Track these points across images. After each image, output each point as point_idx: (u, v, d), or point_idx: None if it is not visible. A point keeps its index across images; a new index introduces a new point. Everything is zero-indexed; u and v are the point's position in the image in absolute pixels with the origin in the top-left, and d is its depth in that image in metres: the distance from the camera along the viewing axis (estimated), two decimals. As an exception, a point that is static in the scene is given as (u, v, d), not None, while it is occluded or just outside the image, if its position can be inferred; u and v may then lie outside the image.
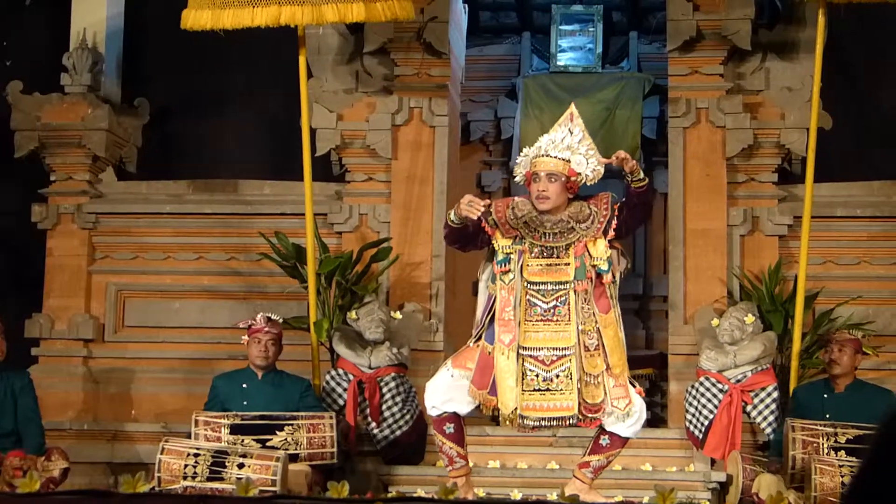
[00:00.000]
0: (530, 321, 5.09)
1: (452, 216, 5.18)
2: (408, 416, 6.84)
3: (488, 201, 5.16)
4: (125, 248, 7.82)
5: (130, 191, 7.92)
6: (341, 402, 6.79)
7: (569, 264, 5.12)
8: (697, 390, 6.79)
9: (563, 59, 9.14)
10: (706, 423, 6.69)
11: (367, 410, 6.80)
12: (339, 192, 7.69)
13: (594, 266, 5.12)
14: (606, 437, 5.21)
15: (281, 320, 6.53)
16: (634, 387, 5.27)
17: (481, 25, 9.36)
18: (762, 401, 6.70)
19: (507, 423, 5.13)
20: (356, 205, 7.63)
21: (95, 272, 7.80)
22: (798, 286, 6.64)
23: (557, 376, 5.04)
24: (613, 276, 5.19)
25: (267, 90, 8.14)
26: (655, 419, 7.71)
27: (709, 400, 6.73)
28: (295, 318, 7.01)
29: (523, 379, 5.04)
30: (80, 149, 7.76)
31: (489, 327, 5.16)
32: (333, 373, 6.89)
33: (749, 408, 6.69)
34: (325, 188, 7.63)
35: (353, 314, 7.00)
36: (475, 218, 5.06)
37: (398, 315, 7.15)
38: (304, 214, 6.89)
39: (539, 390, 5.03)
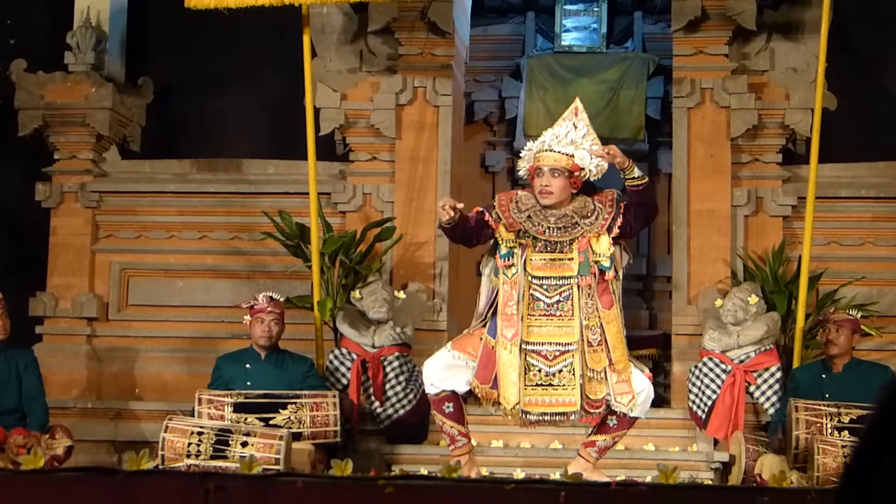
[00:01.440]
0: (533, 316, 5.08)
1: (439, 221, 5.22)
2: (411, 396, 6.84)
3: (461, 204, 5.14)
4: (129, 227, 7.82)
5: (134, 170, 7.91)
6: (345, 381, 6.79)
7: (572, 259, 5.11)
8: (701, 371, 6.81)
9: (568, 39, 9.12)
10: (709, 403, 6.70)
11: (371, 390, 6.80)
12: (342, 172, 7.69)
13: (597, 262, 5.11)
14: (614, 417, 5.21)
15: (283, 299, 6.52)
16: (643, 371, 5.25)
17: (486, 5, 9.34)
18: (765, 381, 6.70)
19: (509, 417, 5.14)
20: (360, 184, 7.63)
21: (99, 251, 7.81)
22: (802, 267, 6.63)
23: (560, 371, 5.04)
24: (616, 272, 5.19)
25: (271, 69, 8.14)
26: (658, 399, 7.41)
27: (712, 380, 6.75)
28: (298, 297, 7.03)
29: (526, 374, 5.04)
30: (84, 127, 7.76)
31: (492, 320, 5.16)
32: (337, 352, 6.90)
33: (752, 388, 6.70)
34: (328, 168, 7.62)
35: (356, 294, 7.02)
36: (446, 219, 5.06)
37: (402, 295, 7.14)
38: (307, 194, 6.88)
39: (542, 385, 5.03)
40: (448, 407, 5.25)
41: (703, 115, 7.38)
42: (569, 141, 5.18)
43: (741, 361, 6.72)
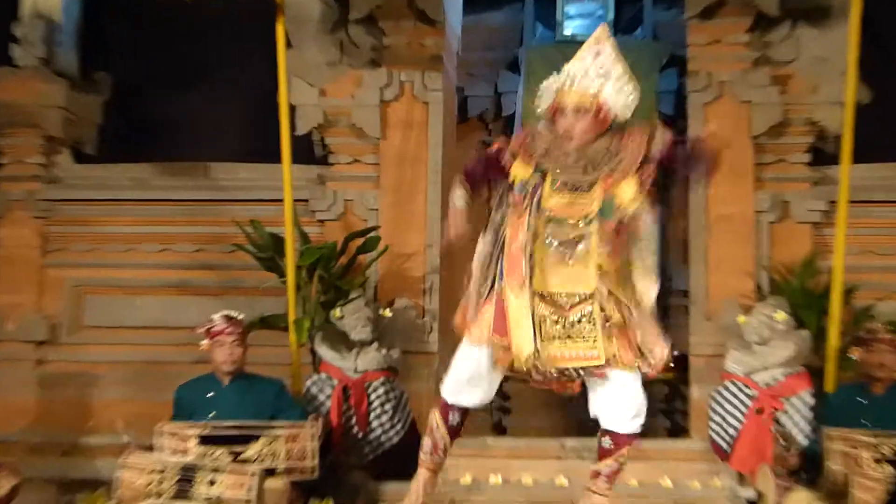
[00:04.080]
0: (546, 261, 5.01)
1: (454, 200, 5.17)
2: (399, 426, 6.84)
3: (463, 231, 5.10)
4: (83, 239, 7.82)
5: (89, 175, 7.90)
6: (324, 409, 6.77)
7: (594, 202, 5.02)
8: (722, 396, 6.79)
9: (571, 28, 9.21)
10: (733, 432, 6.70)
11: (354, 419, 6.80)
12: (321, 176, 7.70)
13: (620, 209, 5.01)
14: (607, 437, 5.16)
15: (242, 317, 6.44)
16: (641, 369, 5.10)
17: (480, -9, 9.41)
18: (795, 407, 6.67)
19: (525, 371, 4.99)
20: (341, 190, 7.64)
21: (50, 266, 7.81)
22: (834, 279, 6.61)
23: (579, 321, 4.96)
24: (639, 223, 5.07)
25: (241, 63, 8.15)
26: (676, 429, 7.79)
27: (735, 407, 6.73)
28: (272, 316, 6.99)
29: (541, 327, 4.96)
30: (33, 129, 7.77)
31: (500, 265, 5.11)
32: (316, 377, 6.89)
33: (780, 415, 6.67)
34: (305, 171, 7.61)
35: (337, 312, 6.99)
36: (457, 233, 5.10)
37: (388, 313, 7.13)
38: (282, 201, 6.87)
39: (559, 338, 4.96)
40: (454, 418, 5.22)
41: (722, 111, 7.40)
42: (595, 75, 5.07)
43: (768, 385, 6.71)
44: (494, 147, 5.21)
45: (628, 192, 5.01)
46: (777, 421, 6.66)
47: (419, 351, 7.33)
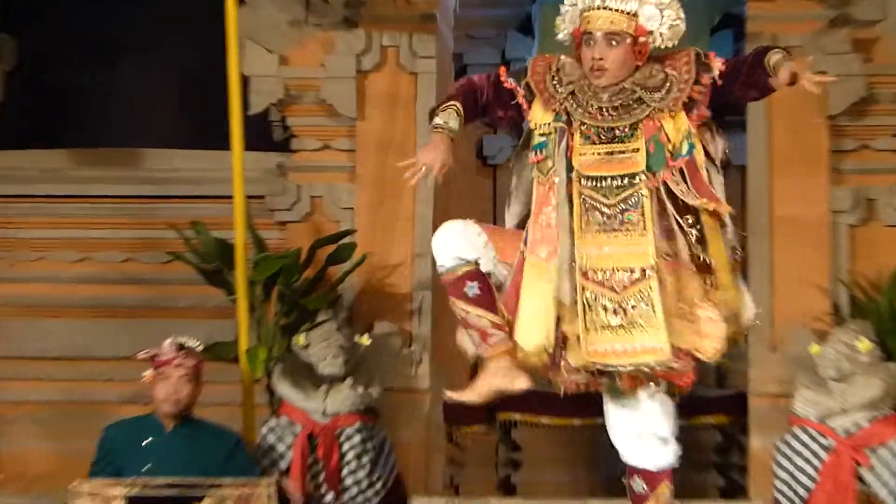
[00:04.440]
0: (588, 232, 4.97)
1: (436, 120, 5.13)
2: (378, 484, 6.82)
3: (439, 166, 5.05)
4: None
5: None
6: (284, 463, 6.76)
7: (638, 150, 4.98)
8: (791, 447, 6.74)
9: None
10: (804, 492, 6.67)
11: (322, 475, 6.78)
12: (281, 166, 7.70)
13: (673, 151, 4.99)
14: (637, 478, 5.19)
15: (200, 347, 6.37)
16: (657, 384, 5.10)
17: (484, -66, 9.52)
18: (883, 461, 6.62)
19: (527, 367, 5.00)
20: (306, 184, 7.63)
21: None
22: None
23: (634, 307, 4.91)
24: (712, 160, 5.07)
25: (182, 27, 8.14)
26: (732, 487, 7.72)
27: (807, 460, 6.69)
28: (218, 344, 6.84)
29: (586, 313, 4.92)
30: None
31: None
32: (274, 422, 6.87)
33: (864, 471, 6.63)
34: (261, 160, 7.62)
35: (301, 339, 6.94)
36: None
37: (366, 340, 7.07)
38: (231, 198, 6.80)
39: (610, 327, 4.92)
40: (472, 288, 5.08)
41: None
42: None
43: (848, 433, 6.66)
44: (502, 73, 5.16)
45: (680, 127, 5.00)
46: (860, 478, 6.61)
47: (406, 388, 7.31)
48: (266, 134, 7.67)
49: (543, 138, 5.07)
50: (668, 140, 4.98)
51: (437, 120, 5.08)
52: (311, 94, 7.57)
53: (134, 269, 7.71)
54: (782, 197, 7.31)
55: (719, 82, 5.00)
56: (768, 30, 7.34)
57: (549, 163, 5.01)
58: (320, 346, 6.86)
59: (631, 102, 5.01)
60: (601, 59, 4.97)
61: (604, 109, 5.02)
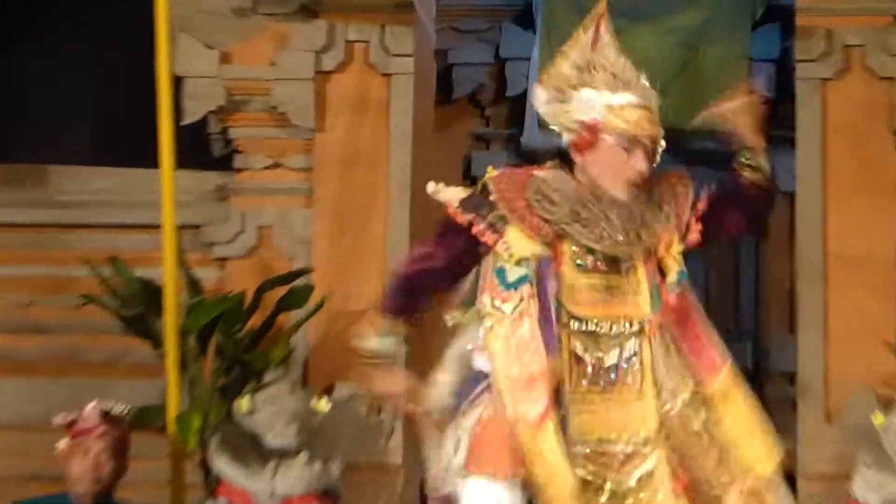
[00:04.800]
0: (577, 392, 4.84)
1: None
2: None
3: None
4: None
5: None
6: None
7: (639, 285, 4.87)
8: None
9: None
10: None
11: None
12: (222, 189, 7.81)
13: (670, 285, 4.88)
14: None
15: (126, 413, 6.25)
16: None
17: None
18: None
19: None
20: (252, 210, 7.75)
21: None
22: None
23: (638, 484, 4.81)
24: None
25: (101, 18, 8.35)
26: None
27: None
28: (142, 409, 6.82)
29: (582, 494, 4.80)
30: None
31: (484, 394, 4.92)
32: None
33: None
34: (198, 181, 7.73)
35: (244, 404, 6.94)
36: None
37: (324, 405, 7.01)
38: (159, 227, 6.80)
39: None
40: None
41: (849, 92, 7.52)
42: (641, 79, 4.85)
43: None
44: (461, 218, 4.92)
45: (673, 257, 4.91)
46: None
47: (374, 464, 7.40)
48: (203, 149, 7.79)
49: (521, 276, 4.89)
50: (662, 275, 4.91)
51: (375, 344, 4.93)
52: (258, 99, 7.66)
53: (38, 314, 7.78)
54: (840, 230, 7.42)
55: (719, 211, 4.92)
56: (821, 24, 7.49)
57: (522, 305, 4.88)
58: (268, 413, 6.87)
59: (642, 225, 4.86)
60: (641, 170, 4.80)
61: (616, 232, 4.87)
